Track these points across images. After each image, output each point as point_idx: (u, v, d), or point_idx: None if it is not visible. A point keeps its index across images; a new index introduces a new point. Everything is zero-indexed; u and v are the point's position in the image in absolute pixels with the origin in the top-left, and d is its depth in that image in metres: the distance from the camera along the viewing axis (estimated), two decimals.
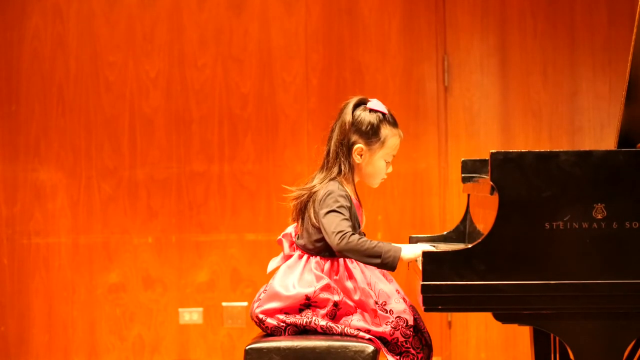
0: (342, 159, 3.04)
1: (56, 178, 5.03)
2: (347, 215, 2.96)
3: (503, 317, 2.64)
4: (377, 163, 3.07)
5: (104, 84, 5.04)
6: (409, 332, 2.98)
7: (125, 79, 5.04)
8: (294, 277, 3.00)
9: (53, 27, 5.03)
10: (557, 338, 3.19)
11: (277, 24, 5.03)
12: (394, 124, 3.08)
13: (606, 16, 5.01)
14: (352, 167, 3.06)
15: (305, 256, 3.04)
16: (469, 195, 3.52)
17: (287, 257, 3.08)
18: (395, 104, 4.97)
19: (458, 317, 4.97)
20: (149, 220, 5.03)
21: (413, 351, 3.00)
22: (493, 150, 2.60)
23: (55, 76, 5.04)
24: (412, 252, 2.87)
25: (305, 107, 5.03)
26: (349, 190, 3.04)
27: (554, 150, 2.59)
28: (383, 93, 4.97)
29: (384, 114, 3.07)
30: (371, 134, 3.05)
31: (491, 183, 2.60)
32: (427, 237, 3.56)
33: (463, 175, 3.49)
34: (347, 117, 3.05)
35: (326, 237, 2.95)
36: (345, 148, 3.05)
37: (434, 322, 4.86)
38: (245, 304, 4.97)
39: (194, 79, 5.04)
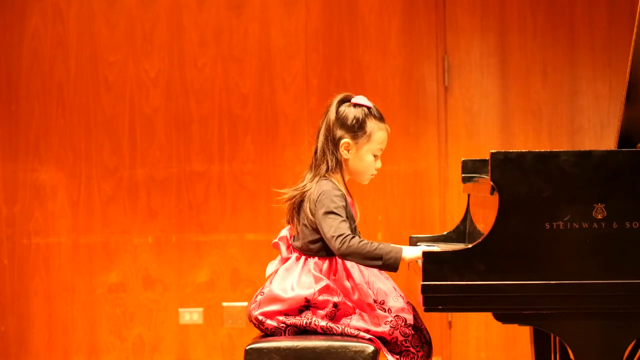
0: (329, 155, 3.05)
1: (56, 178, 5.03)
2: (345, 215, 2.95)
3: (503, 317, 2.64)
4: (364, 157, 3.07)
5: (104, 84, 5.04)
6: (408, 331, 2.98)
7: (125, 79, 5.04)
8: (293, 280, 2.99)
9: (53, 27, 5.03)
10: (557, 338, 3.19)
11: (277, 24, 5.03)
12: (380, 118, 3.08)
13: (606, 16, 5.01)
14: (339, 163, 3.06)
15: (303, 258, 3.03)
16: (469, 195, 3.53)
17: (285, 260, 3.08)
18: (395, 104, 4.97)
19: (458, 317, 4.97)
20: (149, 220, 5.03)
21: (413, 350, 3.00)
22: (493, 150, 2.60)
23: (55, 76, 5.04)
24: (413, 252, 2.87)
25: (305, 107, 5.03)
26: (342, 188, 3.04)
27: (554, 150, 2.60)
28: (383, 93, 4.97)
29: (369, 108, 3.07)
30: (357, 128, 3.05)
31: (491, 183, 2.60)
32: (427, 237, 3.56)
33: (463, 175, 3.49)
34: (332, 113, 3.06)
35: (326, 241, 2.94)
36: (331, 144, 3.05)
37: (434, 322, 4.86)
38: (245, 304, 4.97)
39: (194, 79, 5.04)
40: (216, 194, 5.04)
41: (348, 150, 3.06)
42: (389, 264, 2.86)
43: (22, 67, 5.04)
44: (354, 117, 3.04)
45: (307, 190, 3.03)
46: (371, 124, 3.05)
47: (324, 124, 3.07)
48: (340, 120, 3.05)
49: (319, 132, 3.09)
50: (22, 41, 5.03)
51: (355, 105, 3.07)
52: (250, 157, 5.03)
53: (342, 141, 3.05)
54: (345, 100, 3.09)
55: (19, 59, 5.03)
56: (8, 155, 5.04)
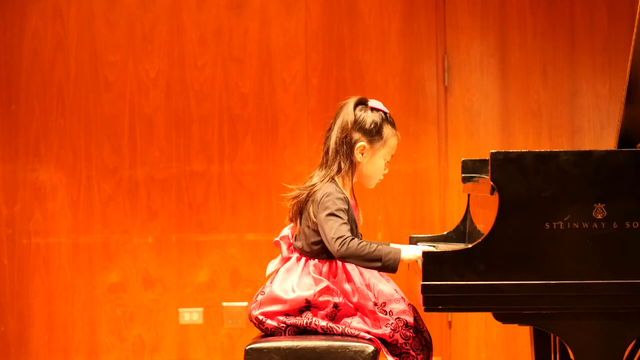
0: (343, 157, 3.04)
1: (56, 178, 5.03)
2: (346, 218, 2.95)
3: (503, 317, 2.64)
4: (377, 162, 3.08)
5: (104, 84, 5.04)
6: (408, 334, 2.98)
7: (125, 79, 5.04)
8: (293, 281, 2.99)
9: (53, 27, 5.03)
10: (557, 338, 3.19)
11: (277, 24, 5.03)
12: (394, 124, 3.11)
13: (606, 16, 5.01)
14: (352, 166, 3.06)
15: (304, 259, 3.03)
16: (469, 195, 3.53)
17: (286, 260, 3.08)
18: (395, 104, 4.97)
19: (458, 317, 4.97)
20: (149, 220, 5.03)
21: (413, 352, 3.00)
22: (493, 150, 2.60)
23: (55, 76, 5.04)
24: (411, 253, 2.88)
25: (305, 107, 5.03)
26: (347, 191, 3.04)
27: (554, 150, 2.60)
28: (383, 93, 4.97)
29: (385, 114, 3.08)
30: (374, 133, 3.05)
31: (491, 183, 2.60)
32: (427, 237, 3.56)
33: (463, 175, 3.49)
34: (350, 115, 3.04)
35: (326, 243, 2.94)
36: (346, 146, 3.04)
37: (434, 322, 4.86)
38: (245, 304, 4.97)
39: (194, 79, 5.04)
40: (216, 194, 5.04)
41: (363, 154, 3.06)
42: (388, 265, 2.87)
43: (22, 67, 5.04)
44: (373, 121, 3.05)
45: (314, 191, 3.01)
46: (387, 130, 3.07)
47: (339, 124, 3.05)
48: (359, 124, 3.04)
49: (329, 132, 3.07)
50: (22, 41, 5.03)
51: (373, 109, 3.07)
52: (250, 157, 5.03)
53: (359, 144, 3.04)
54: (360, 103, 3.08)
55: (19, 59, 5.03)
56: (8, 155, 5.04)
